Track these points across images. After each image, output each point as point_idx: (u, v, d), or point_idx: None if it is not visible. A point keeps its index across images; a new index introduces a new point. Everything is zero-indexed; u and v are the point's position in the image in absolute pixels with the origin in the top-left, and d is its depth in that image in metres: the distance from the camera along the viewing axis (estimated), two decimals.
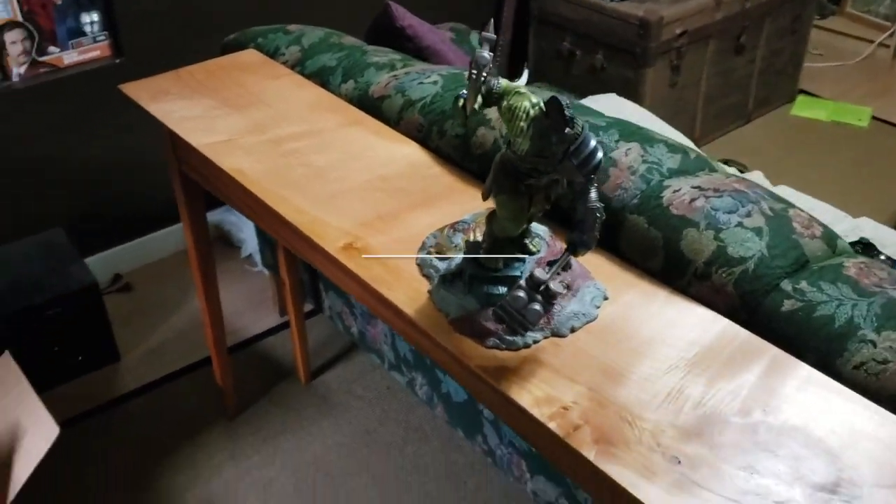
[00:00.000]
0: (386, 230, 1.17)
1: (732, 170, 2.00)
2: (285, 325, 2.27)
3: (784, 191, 1.74)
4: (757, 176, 1.81)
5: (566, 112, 0.84)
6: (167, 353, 2.21)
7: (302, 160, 1.32)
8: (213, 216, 2.55)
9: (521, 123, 0.90)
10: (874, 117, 3.26)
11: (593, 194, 0.90)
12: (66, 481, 1.87)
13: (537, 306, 0.88)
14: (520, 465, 1.58)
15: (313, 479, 1.86)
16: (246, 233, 2.47)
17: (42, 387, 2.03)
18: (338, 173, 1.29)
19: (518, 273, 1.00)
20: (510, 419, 0.98)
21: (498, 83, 0.92)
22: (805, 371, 0.94)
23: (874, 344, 0.92)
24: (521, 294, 0.88)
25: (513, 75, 0.98)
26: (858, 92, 3.45)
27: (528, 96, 0.91)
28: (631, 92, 2.67)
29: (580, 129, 0.86)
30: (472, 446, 1.82)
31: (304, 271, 2.05)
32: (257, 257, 2.41)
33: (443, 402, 1.77)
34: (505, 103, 0.92)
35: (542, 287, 0.89)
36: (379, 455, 1.92)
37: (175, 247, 2.53)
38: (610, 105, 2.00)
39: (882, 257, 1.46)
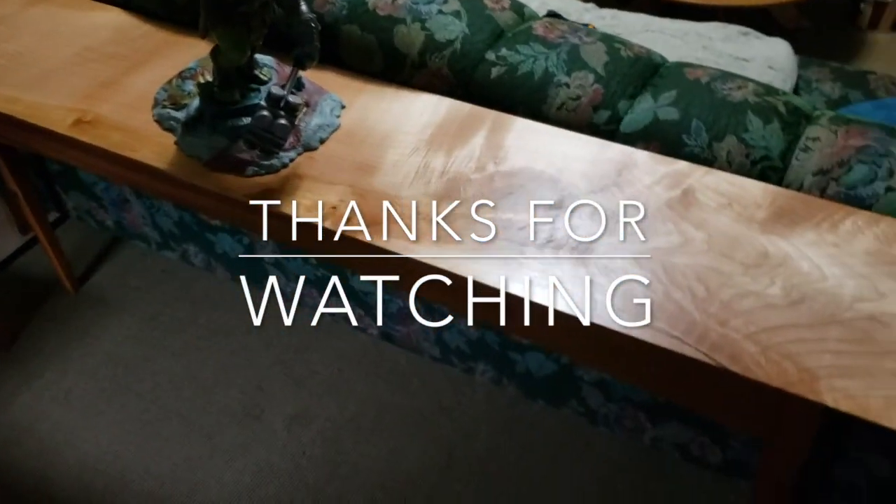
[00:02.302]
0: (111, 97, 1.16)
1: None
2: (35, 241, 2.16)
3: None
4: None
5: None
6: None
7: None
8: None
9: None
10: None
11: (304, 7, 0.97)
12: None
13: (283, 121, 0.95)
14: (311, 293, 1.69)
15: (113, 375, 1.86)
16: None
17: None
18: (38, 55, 1.24)
19: (257, 101, 1.05)
20: (288, 236, 1.06)
21: None
22: (520, 123, 1.09)
23: (568, 85, 1.09)
24: (265, 113, 0.95)
25: None
26: None
27: None
28: None
29: None
30: (261, 293, 1.90)
31: (37, 178, 1.95)
32: None
33: (221, 263, 1.82)
34: None
35: (282, 102, 0.95)
36: (173, 334, 1.94)
37: None
38: None
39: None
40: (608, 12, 1.76)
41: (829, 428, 1.09)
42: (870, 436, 1.14)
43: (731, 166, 1.01)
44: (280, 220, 1.01)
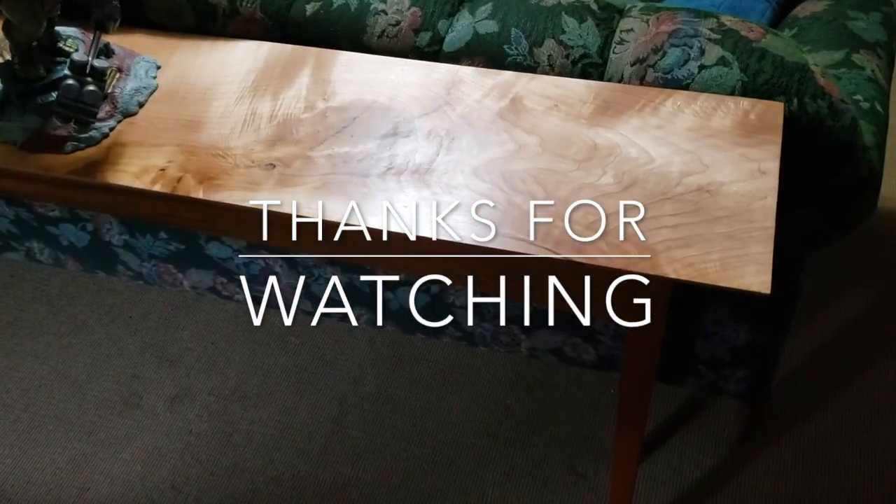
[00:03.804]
0: None
1: None
2: None
3: None
4: None
5: None
6: None
7: None
8: None
9: None
10: None
11: None
12: None
13: (91, 87, 0.90)
14: (168, 269, 1.64)
15: None
16: None
17: None
18: None
19: (63, 73, 0.99)
20: (124, 208, 1.02)
21: None
22: (344, 56, 1.08)
23: (385, 13, 1.08)
24: (72, 82, 0.89)
25: None
26: None
27: None
28: None
29: None
30: (119, 279, 1.82)
31: None
32: None
33: (70, 255, 1.73)
34: None
35: (87, 68, 0.90)
36: (34, 337, 1.84)
37: None
38: None
39: None
40: None
41: (684, 308, 1.15)
42: (725, 308, 1.21)
43: (553, 69, 1.03)
44: (109, 191, 0.97)
